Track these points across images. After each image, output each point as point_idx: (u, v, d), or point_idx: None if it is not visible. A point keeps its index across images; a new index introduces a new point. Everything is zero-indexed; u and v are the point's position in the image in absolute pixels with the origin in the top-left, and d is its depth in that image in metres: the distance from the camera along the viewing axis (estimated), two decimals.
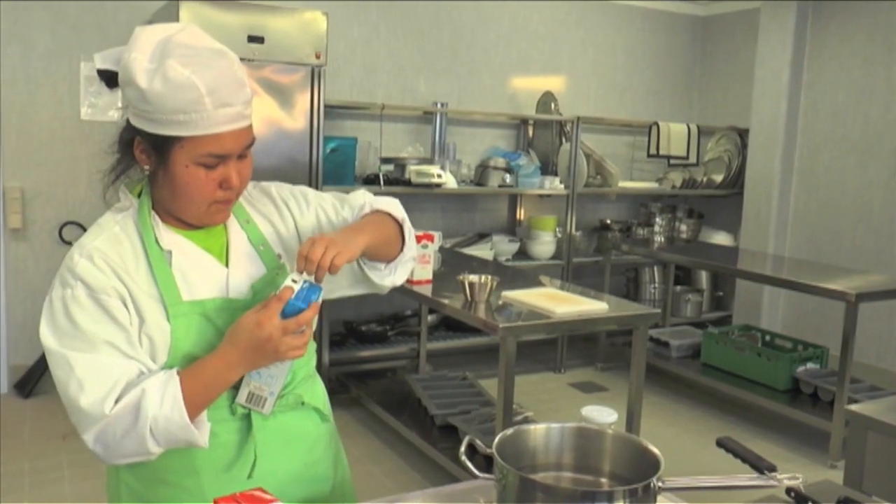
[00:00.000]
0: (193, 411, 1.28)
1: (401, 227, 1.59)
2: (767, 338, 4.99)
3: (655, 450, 1.32)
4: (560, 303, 3.01)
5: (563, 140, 5.66)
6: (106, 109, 4.49)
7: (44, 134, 4.41)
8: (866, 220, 5.37)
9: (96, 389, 1.25)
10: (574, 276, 5.56)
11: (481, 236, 5.41)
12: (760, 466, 1.59)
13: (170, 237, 1.39)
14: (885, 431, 2.11)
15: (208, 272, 1.41)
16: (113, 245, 1.35)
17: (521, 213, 5.92)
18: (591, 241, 5.96)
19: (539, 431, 1.39)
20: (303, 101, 4.14)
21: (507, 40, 5.75)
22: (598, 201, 6.23)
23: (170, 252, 1.38)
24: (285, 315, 1.29)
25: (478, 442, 1.36)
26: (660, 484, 1.25)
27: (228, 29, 3.76)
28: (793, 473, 1.47)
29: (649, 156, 6.04)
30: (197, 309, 1.36)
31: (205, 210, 1.38)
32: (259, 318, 1.29)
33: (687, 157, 6.08)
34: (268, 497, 0.97)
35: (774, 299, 5.86)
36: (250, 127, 1.38)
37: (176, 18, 3.66)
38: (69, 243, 4.38)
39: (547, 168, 5.64)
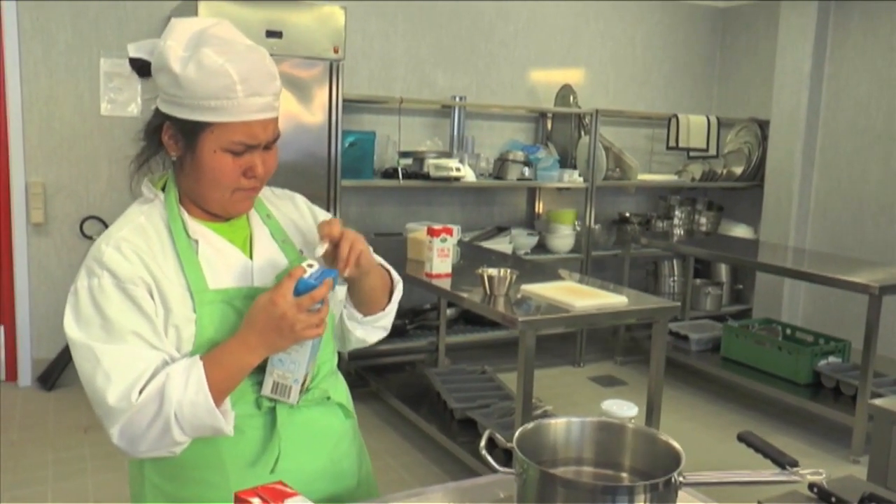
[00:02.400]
0: (218, 396, 1.28)
1: (391, 288, 1.64)
2: (788, 331, 4.95)
3: (676, 444, 1.31)
4: (579, 296, 2.99)
5: (582, 133, 5.63)
6: (126, 105, 4.52)
7: (65, 129, 4.45)
8: (889, 212, 5.31)
9: (123, 381, 1.25)
10: (593, 269, 5.55)
11: (500, 230, 5.40)
12: (782, 461, 1.58)
13: (196, 227, 1.41)
14: None
15: (233, 262, 1.42)
16: (140, 235, 1.36)
17: (539, 207, 5.90)
18: (610, 235, 5.93)
19: (559, 426, 1.39)
20: (321, 95, 4.15)
21: (526, 33, 5.73)
22: (617, 194, 6.20)
23: (197, 241, 1.40)
24: (298, 293, 1.28)
25: (497, 436, 1.36)
26: (681, 479, 1.25)
27: (247, 24, 3.78)
28: (815, 469, 1.46)
29: (668, 148, 6.00)
30: (222, 297, 1.37)
31: (228, 197, 1.39)
32: (272, 297, 1.29)
33: (706, 150, 6.03)
34: (289, 490, 0.97)
35: (795, 292, 5.82)
36: (277, 120, 1.40)
37: (195, 13, 3.68)
38: (90, 238, 4.42)
39: (566, 161, 5.62)
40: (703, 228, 6.08)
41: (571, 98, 5.64)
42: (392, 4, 5.21)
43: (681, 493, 1.27)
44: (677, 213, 5.92)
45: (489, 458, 1.30)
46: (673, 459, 1.27)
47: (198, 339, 1.34)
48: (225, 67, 1.29)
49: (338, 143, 4.23)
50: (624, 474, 1.39)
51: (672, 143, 5.95)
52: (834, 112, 5.65)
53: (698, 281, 6.03)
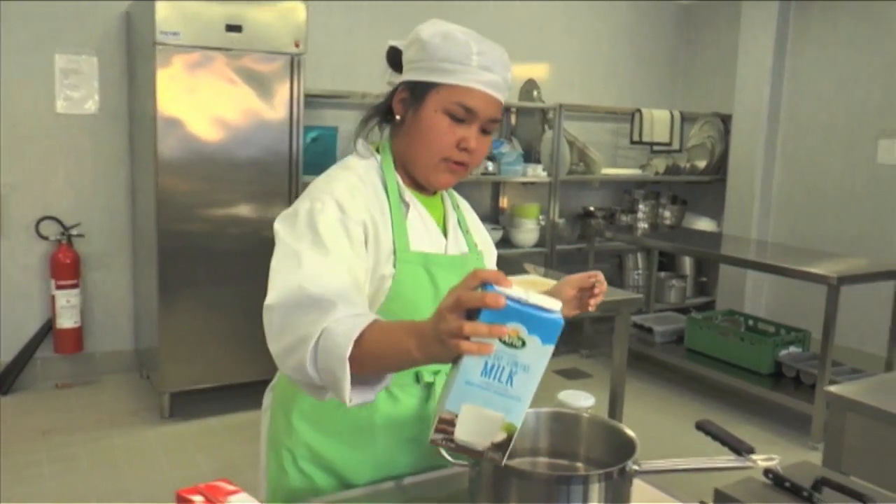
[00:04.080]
0: (362, 357, 1.14)
1: None
2: (751, 322, 5.01)
3: (631, 433, 1.31)
4: (542, 290, 2.98)
5: (546, 127, 5.64)
6: (82, 102, 4.44)
7: (19, 128, 4.35)
8: (848, 205, 5.39)
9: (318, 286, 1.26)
10: (558, 263, 5.56)
11: None
12: (739, 449, 1.58)
13: (407, 192, 1.50)
14: (864, 412, 2.11)
15: (432, 233, 1.51)
16: (365, 184, 1.45)
17: (504, 201, 5.90)
18: (574, 229, 5.95)
19: None
20: (282, 90, 4.10)
21: (492, 28, 5.69)
22: (581, 188, 6.21)
23: (408, 205, 1.48)
24: (478, 315, 0.98)
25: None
26: (635, 467, 1.24)
27: (206, 18, 3.73)
28: (769, 455, 1.46)
29: (632, 142, 6.03)
30: (421, 259, 1.45)
31: (435, 164, 1.45)
32: (455, 286, 1.05)
33: (670, 144, 6.07)
34: (231, 489, 0.95)
35: (758, 284, 5.88)
36: (501, 108, 1.47)
37: (153, 8, 3.62)
38: (46, 238, 4.35)
39: (530, 156, 5.63)
40: (667, 222, 6.12)
41: (535, 93, 5.64)
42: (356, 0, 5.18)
43: (636, 482, 1.27)
44: (641, 206, 5.96)
45: (442, 451, 1.29)
46: (628, 448, 1.27)
47: (392, 294, 1.41)
48: (467, 40, 1.41)
49: (299, 139, 4.19)
50: (579, 464, 1.38)
51: (636, 138, 5.98)
52: (795, 107, 5.71)
53: (662, 274, 6.07)
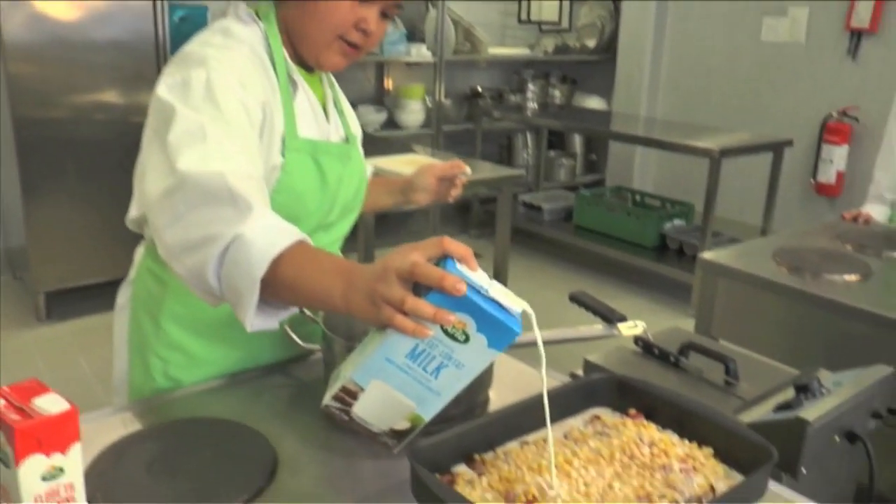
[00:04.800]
0: (272, 281, 1.01)
1: None
2: (638, 198, 5.09)
3: None
4: (413, 169, 2.91)
5: (430, 6, 5.45)
6: None
7: None
8: (733, 81, 5.44)
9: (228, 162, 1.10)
10: (447, 144, 5.47)
11: None
12: (612, 318, 1.58)
13: (294, 71, 1.33)
14: (734, 276, 2.15)
15: (319, 117, 1.37)
16: (259, 57, 1.27)
17: (388, 83, 5.73)
18: (461, 109, 5.85)
19: None
20: None
21: None
22: (468, 69, 6.08)
23: (296, 85, 1.33)
24: (426, 294, 0.85)
25: (307, 313, 1.27)
26: None
27: None
28: (635, 322, 1.46)
29: (520, 21, 5.91)
30: (309, 148, 1.31)
31: (328, 43, 1.29)
32: (407, 246, 0.91)
33: (559, 23, 5.98)
34: (41, 388, 0.86)
35: (645, 160, 5.95)
36: None
37: None
38: None
39: (414, 35, 5.44)
40: (557, 101, 6.09)
41: None
42: None
43: (504, 358, 1.24)
44: (530, 86, 5.89)
45: (291, 333, 1.22)
46: None
47: (279, 186, 1.26)
48: None
49: (165, 18, 3.91)
50: None
51: (524, 17, 5.87)
52: None
53: (552, 153, 6.07)
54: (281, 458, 1.11)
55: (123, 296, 1.46)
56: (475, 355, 0.86)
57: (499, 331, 0.84)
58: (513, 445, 1.05)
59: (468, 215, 5.50)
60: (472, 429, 1.02)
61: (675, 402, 1.10)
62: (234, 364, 1.39)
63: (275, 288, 1.01)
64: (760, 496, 0.99)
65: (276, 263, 1.00)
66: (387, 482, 1.05)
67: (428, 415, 0.90)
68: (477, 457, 1.02)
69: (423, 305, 0.83)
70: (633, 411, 1.14)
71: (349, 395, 0.90)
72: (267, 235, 1.03)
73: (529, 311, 0.87)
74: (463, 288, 0.82)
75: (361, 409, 0.91)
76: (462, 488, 0.95)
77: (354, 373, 0.88)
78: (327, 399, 0.92)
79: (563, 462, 0.98)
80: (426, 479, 0.90)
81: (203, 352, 1.38)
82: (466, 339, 0.85)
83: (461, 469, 1.00)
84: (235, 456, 1.12)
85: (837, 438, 1.32)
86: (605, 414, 1.15)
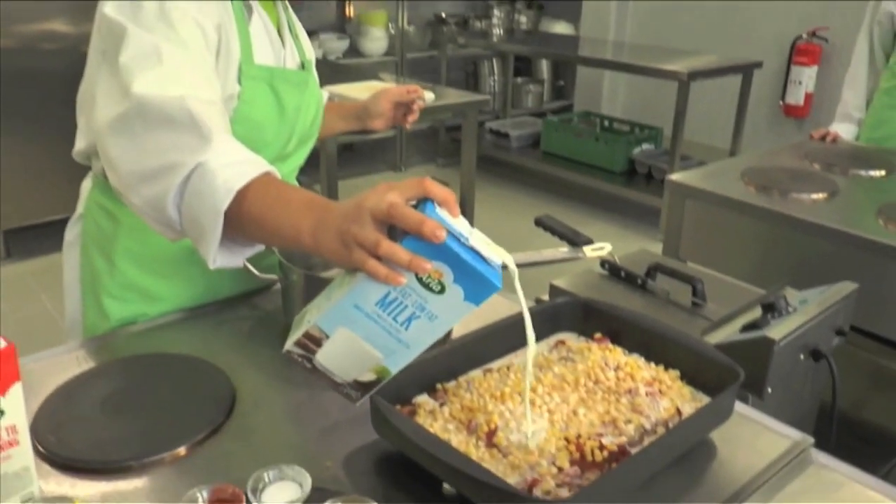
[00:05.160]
0: (236, 215, 0.95)
1: None
2: (606, 123, 5.05)
3: None
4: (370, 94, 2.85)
5: None
6: None
7: None
8: (702, 2, 5.34)
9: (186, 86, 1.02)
10: (411, 71, 5.36)
11: (309, 34, 5.08)
12: (577, 241, 1.56)
13: None
14: (702, 197, 2.13)
15: (274, 43, 1.30)
16: None
17: (349, 9, 5.58)
18: (426, 36, 5.72)
19: None
20: None
21: None
22: None
23: (251, 8, 1.25)
24: (402, 238, 0.78)
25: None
26: None
27: None
28: (601, 244, 1.43)
29: None
30: (266, 75, 1.24)
31: None
32: (383, 185, 0.82)
33: None
34: None
35: (614, 85, 5.89)
36: None
37: None
38: None
39: None
40: (523, 27, 5.98)
41: None
42: None
43: None
44: (496, 12, 5.78)
45: (248, 265, 1.18)
46: None
47: (237, 116, 1.19)
48: None
49: None
50: None
51: None
52: None
53: (519, 80, 5.98)
54: (240, 393, 1.09)
55: (72, 232, 1.40)
56: (450, 307, 0.79)
57: (478, 283, 0.78)
58: (476, 374, 1.03)
59: (435, 144, 5.43)
60: (435, 358, 0.99)
61: (641, 325, 1.08)
62: (192, 300, 1.35)
63: (239, 222, 0.94)
64: (727, 417, 0.98)
65: (241, 196, 0.93)
66: (349, 413, 1.03)
67: (395, 367, 0.85)
68: (439, 386, 1.00)
69: (399, 251, 0.76)
70: (598, 335, 1.12)
71: (312, 342, 0.84)
72: (231, 165, 0.96)
73: (512, 265, 0.82)
74: (443, 235, 0.75)
75: (325, 358, 0.85)
76: (423, 419, 0.93)
77: (319, 318, 0.82)
78: (289, 345, 0.86)
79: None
80: (385, 410, 0.88)
81: (159, 290, 1.33)
82: (442, 290, 0.78)
83: (423, 399, 0.98)
84: (192, 392, 1.09)
85: (802, 357, 1.31)
86: (571, 339, 1.13)
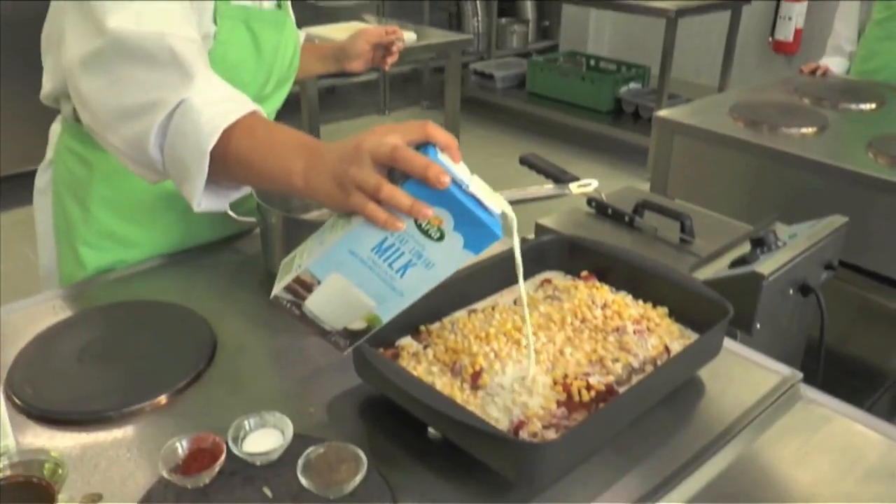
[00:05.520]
0: (223, 156, 0.90)
1: None
2: (592, 62, 4.98)
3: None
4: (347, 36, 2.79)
5: None
6: None
7: None
8: None
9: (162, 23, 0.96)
10: (391, 11, 5.24)
11: None
12: (563, 179, 1.53)
13: None
14: (690, 133, 2.10)
15: None
16: None
17: None
18: None
19: None
20: None
21: None
22: None
23: None
24: (402, 181, 0.76)
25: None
26: None
27: None
28: (587, 181, 1.40)
29: None
30: (241, 15, 1.18)
31: None
32: (381, 126, 0.80)
33: None
34: None
35: (600, 24, 5.80)
36: None
37: None
38: None
39: None
40: None
41: None
42: None
43: None
44: None
45: (228, 210, 1.15)
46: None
47: (213, 57, 1.10)
48: None
49: None
50: None
51: None
52: None
53: (503, 20, 5.87)
54: (221, 339, 1.06)
55: (42, 179, 1.35)
56: (448, 255, 0.77)
57: (478, 231, 0.76)
58: (460, 315, 1.01)
59: (420, 87, 5.36)
60: (419, 299, 0.97)
61: (629, 261, 1.06)
62: (170, 246, 1.32)
63: (225, 164, 0.90)
64: (715, 354, 0.97)
65: (227, 136, 0.89)
66: (332, 358, 1.01)
67: (387, 316, 0.82)
68: (423, 328, 0.98)
69: (400, 195, 0.73)
70: (585, 273, 1.10)
71: (303, 288, 0.81)
72: (216, 103, 0.92)
73: (510, 213, 0.80)
74: (447, 180, 0.72)
75: (315, 305, 0.82)
76: (406, 362, 0.91)
77: (312, 264, 0.79)
78: (277, 290, 0.83)
79: (511, 329, 0.94)
80: (368, 354, 0.86)
81: (136, 236, 1.30)
82: (441, 237, 0.76)
83: (406, 342, 0.96)
84: (172, 339, 1.06)
85: (791, 292, 1.30)
86: (557, 277, 1.11)
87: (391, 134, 0.76)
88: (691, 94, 4.65)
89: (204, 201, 0.94)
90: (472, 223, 0.75)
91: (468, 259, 0.78)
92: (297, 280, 0.80)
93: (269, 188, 0.96)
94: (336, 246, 0.78)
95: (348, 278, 0.79)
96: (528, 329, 0.88)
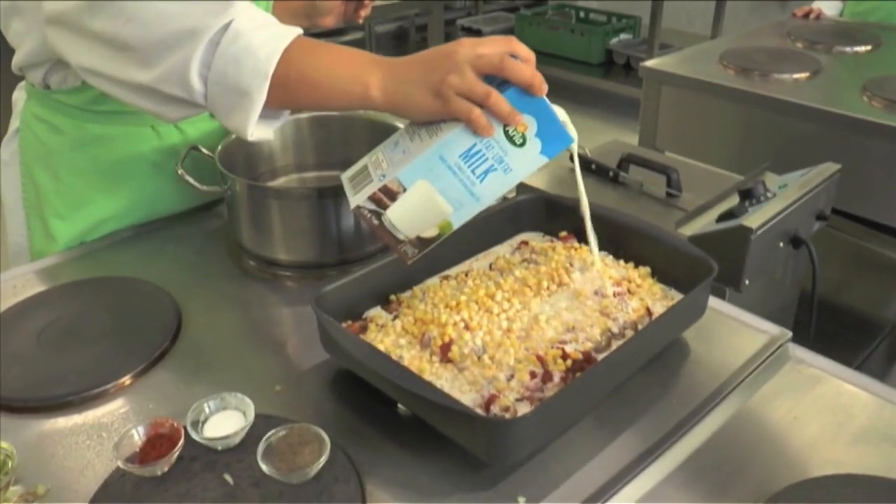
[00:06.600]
0: (284, 78, 0.87)
1: None
2: (582, 14, 4.88)
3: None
4: None
5: None
6: None
7: None
8: None
9: None
10: None
11: None
12: None
13: None
14: (677, 83, 2.04)
15: None
16: None
17: None
18: None
19: None
20: None
21: None
22: None
23: None
24: (504, 90, 0.81)
25: (203, 150, 1.14)
26: None
27: None
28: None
29: None
30: None
31: None
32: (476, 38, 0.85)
33: None
34: None
35: None
36: None
37: None
38: None
39: None
40: None
41: None
42: None
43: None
44: None
45: (188, 177, 1.10)
46: None
47: None
48: None
49: None
50: None
51: None
52: None
53: None
54: (187, 315, 1.02)
55: (8, 150, 1.28)
56: (525, 161, 0.82)
57: (556, 137, 0.82)
58: (433, 281, 0.97)
59: (406, 44, 5.25)
60: (389, 265, 0.92)
61: (608, 219, 1.01)
62: (138, 217, 1.27)
63: (286, 86, 0.87)
64: (700, 315, 0.92)
65: (285, 58, 0.86)
66: (301, 332, 0.97)
67: (459, 222, 0.84)
68: (393, 297, 0.93)
69: (504, 102, 0.79)
70: (563, 234, 1.05)
71: (388, 196, 0.82)
72: (263, 27, 0.87)
73: (570, 123, 0.86)
74: (546, 88, 0.81)
75: (396, 213, 0.83)
76: (374, 335, 0.86)
77: (400, 171, 0.81)
78: (360, 199, 0.83)
79: (484, 297, 0.89)
80: (331, 329, 0.81)
81: (107, 207, 1.24)
82: (523, 143, 0.82)
83: (375, 313, 0.91)
84: (135, 317, 1.02)
85: (781, 244, 1.25)
86: (535, 239, 1.06)
87: (480, 46, 0.81)
88: (684, 44, 4.55)
89: (256, 130, 0.89)
90: (552, 128, 0.82)
91: (541, 164, 0.83)
92: (384, 189, 0.82)
93: (337, 106, 0.91)
94: (428, 153, 0.81)
95: (434, 184, 0.82)
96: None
